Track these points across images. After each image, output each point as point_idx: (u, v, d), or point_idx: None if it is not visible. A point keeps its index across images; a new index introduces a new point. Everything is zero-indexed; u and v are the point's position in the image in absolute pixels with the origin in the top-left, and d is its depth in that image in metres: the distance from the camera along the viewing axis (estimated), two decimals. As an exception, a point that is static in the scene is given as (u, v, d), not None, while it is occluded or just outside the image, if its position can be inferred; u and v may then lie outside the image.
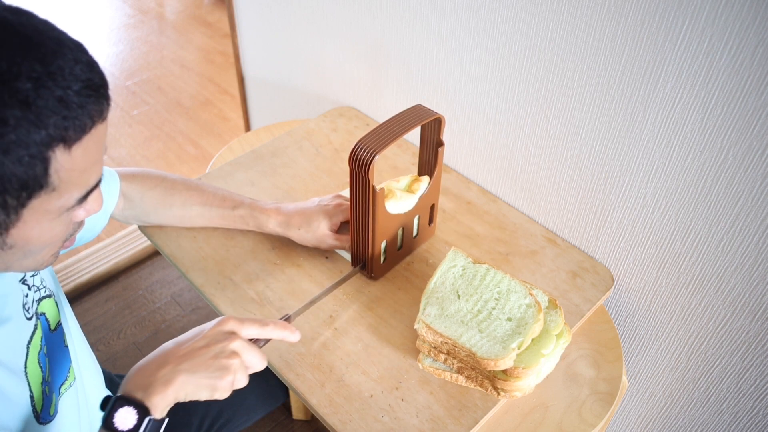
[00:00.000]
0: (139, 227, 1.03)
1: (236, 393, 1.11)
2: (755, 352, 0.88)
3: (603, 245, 0.99)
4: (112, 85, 2.64)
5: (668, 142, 0.82)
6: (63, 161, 0.51)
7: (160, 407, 0.60)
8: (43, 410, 0.67)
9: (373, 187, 0.81)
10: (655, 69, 0.79)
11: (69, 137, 0.50)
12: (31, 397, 0.66)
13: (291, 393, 1.24)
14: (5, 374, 0.62)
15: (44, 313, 0.72)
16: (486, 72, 1.01)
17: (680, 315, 0.95)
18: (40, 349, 0.68)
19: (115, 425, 0.58)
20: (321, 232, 0.92)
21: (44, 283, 0.74)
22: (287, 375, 0.82)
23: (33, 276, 0.71)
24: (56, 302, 0.75)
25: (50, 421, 0.69)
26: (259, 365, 0.67)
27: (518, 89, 0.97)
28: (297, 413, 1.48)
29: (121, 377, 1.04)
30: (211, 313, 1.70)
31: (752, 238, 0.80)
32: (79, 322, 0.85)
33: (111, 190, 0.89)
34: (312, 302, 0.85)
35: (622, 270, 0.99)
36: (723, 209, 0.82)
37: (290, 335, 0.72)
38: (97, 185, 0.57)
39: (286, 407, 1.48)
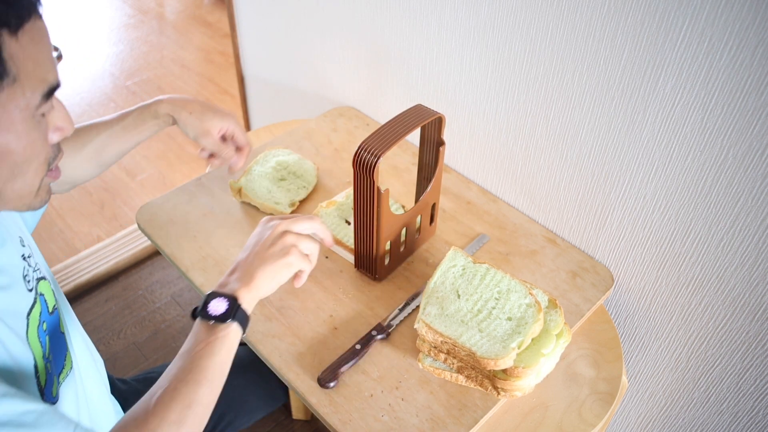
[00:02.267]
0: (139, 227, 1.03)
1: (238, 395, 1.13)
2: (755, 352, 0.88)
3: (603, 245, 1.00)
4: (112, 84, 2.64)
5: (668, 142, 0.83)
6: (12, 47, 0.55)
7: (246, 299, 0.69)
8: (46, 387, 0.69)
9: (378, 188, 0.81)
10: (655, 69, 0.79)
11: (11, 22, 0.54)
12: (36, 367, 0.68)
13: (291, 393, 1.24)
14: (12, 337, 0.65)
15: (43, 294, 0.75)
16: (486, 72, 1.01)
17: (680, 315, 0.95)
18: (39, 323, 0.71)
19: (209, 312, 0.67)
20: (208, 124, 0.93)
21: (38, 266, 0.76)
22: (287, 375, 0.82)
23: (29, 257, 0.74)
24: (52, 287, 0.78)
25: (54, 403, 0.71)
26: (314, 249, 0.77)
27: (518, 89, 0.97)
28: (297, 413, 1.48)
29: (123, 381, 1.04)
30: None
31: (752, 238, 0.80)
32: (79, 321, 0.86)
33: None
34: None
35: (622, 270, 0.99)
36: (723, 209, 0.82)
37: (328, 235, 0.82)
38: (55, 88, 0.61)
39: (286, 407, 1.48)
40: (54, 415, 0.59)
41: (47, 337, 0.72)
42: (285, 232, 0.74)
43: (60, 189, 0.96)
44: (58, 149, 0.65)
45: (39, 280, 0.75)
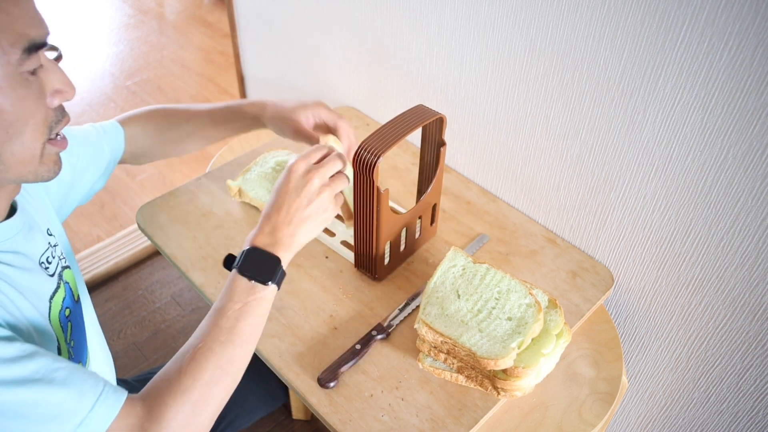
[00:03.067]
0: (139, 227, 1.03)
1: (238, 395, 1.13)
2: (755, 352, 0.88)
3: (603, 245, 0.99)
4: (112, 84, 2.64)
5: (668, 142, 0.83)
6: None
7: (286, 259, 0.70)
8: None
9: (378, 188, 0.81)
10: (655, 69, 0.79)
11: None
12: (59, 349, 0.69)
13: (291, 393, 1.24)
14: (36, 314, 0.66)
15: (68, 282, 0.75)
16: (486, 72, 1.01)
17: (680, 315, 0.95)
18: (62, 308, 0.72)
19: (250, 270, 0.67)
20: (292, 123, 0.89)
21: (64, 256, 0.77)
22: (287, 375, 0.82)
23: (55, 246, 0.75)
24: (76, 278, 0.79)
25: None
26: (344, 182, 0.76)
27: (518, 89, 0.97)
28: (297, 413, 1.48)
29: (125, 381, 1.04)
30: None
31: (752, 238, 0.80)
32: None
33: (115, 140, 0.92)
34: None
35: (622, 270, 0.99)
36: (723, 209, 0.82)
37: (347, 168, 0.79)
38: (40, 46, 0.59)
39: (286, 407, 1.48)
40: (84, 373, 0.59)
41: (69, 324, 0.73)
42: (322, 186, 0.72)
43: (134, 162, 0.98)
44: (61, 114, 0.64)
45: (65, 268, 0.76)
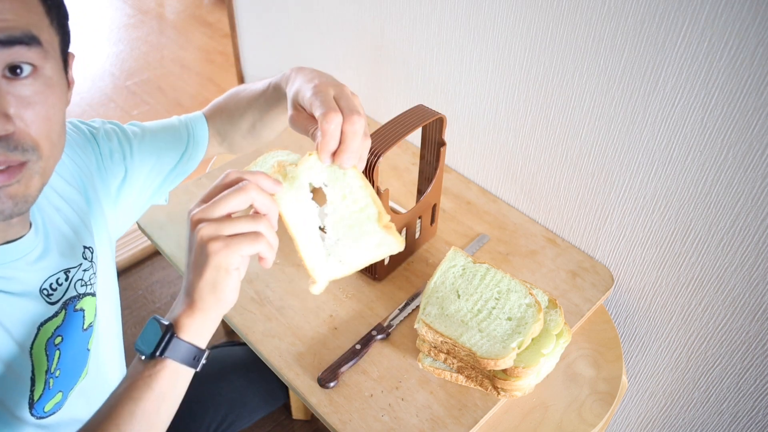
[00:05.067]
0: (139, 227, 1.03)
1: (239, 395, 1.13)
2: (755, 352, 0.88)
3: (603, 245, 0.99)
4: (112, 84, 2.64)
5: (668, 142, 0.83)
6: None
7: (189, 326, 0.56)
8: (38, 402, 0.67)
9: (378, 188, 0.81)
10: (655, 69, 0.79)
11: None
12: (32, 380, 0.65)
13: (291, 393, 1.24)
14: (11, 345, 0.62)
15: (83, 309, 0.71)
16: (486, 72, 1.01)
17: (680, 315, 0.95)
18: (51, 336, 0.67)
19: (137, 343, 0.57)
20: (294, 102, 0.68)
21: (93, 281, 0.73)
22: (287, 375, 0.82)
23: (85, 270, 0.71)
24: (96, 302, 0.74)
25: (42, 418, 0.68)
26: (251, 226, 0.55)
27: (518, 89, 0.97)
28: (297, 413, 1.47)
29: None
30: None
31: (752, 238, 0.80)
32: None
33: (199, 133, 0.89)
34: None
35: (622, 270, 0.99)
36: (723, 209, 0.82)
37: (269, 204, 0.58)
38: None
39: (286, 407, 1.48)
40: None
41: (57, 352, 0.68)
42: (198, 226, 0.55)
43: (233, 152, 0.95)
44: None
45: (86, 295, 0.71)
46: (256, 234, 0.55)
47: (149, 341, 0.55)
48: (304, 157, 0.63)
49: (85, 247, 0.72)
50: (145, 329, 0.56)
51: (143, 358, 0.56)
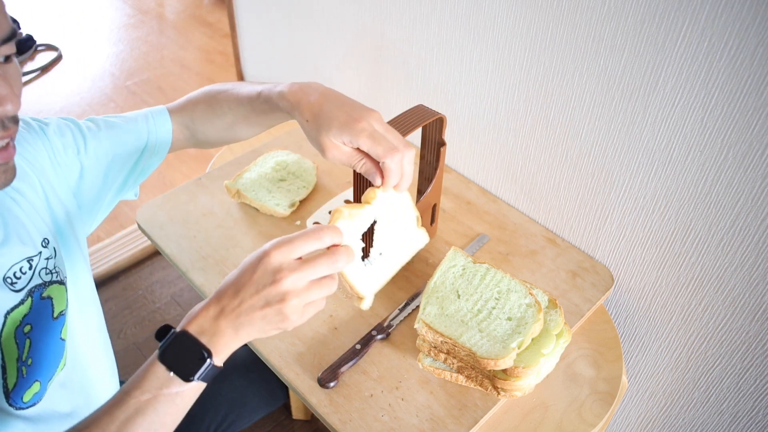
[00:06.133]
0: (139, 227, 1.03)
1: (239, 395, 1.13)
2: (755, 352, 0.88)
3: (603, 245, 0.99)
4: (112, 84, 2.64)
5: (668, 142, 0.83)
6: None
7: (222, 355, 0.58)
8: (14, 391, 0.68)
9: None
10: (655, 69, 0.79)
11: None
12: (3, 368, 0.66)
13: (291, 393, 1.24)
14: None
15: (51, 298, 0.72)
16: (486, 72, 1.01)
17: (680, 315, 0.95)
18: (20, 324, 0.68)
19: (172, 358, 0.57)
20: (324, 139, 0.70)
21: (58, 268, 0.74)
22: (287, 375, 0.82)
23: (48, 258, 0.72)
24: (67, 291, 0.75)
25: (23, 408, 0.69)
26: (327, 290, 0.59)
27: (518, 89, 0.97)
28: (297, 413, 1.48)
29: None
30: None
31: (752, 238, 0.80)
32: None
33: (161, 128, 0.89)
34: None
35: (622, 270, 0.99)
36: (723, 209, 0.82)
37: (344, 258, 0.60)
38: None
39: (286, 407, 1.48)
40: None
41: (28, 341, 0.69)
42: (290, 293, 0.57)
43: (198, 146, 0.94)
44: (7, 122, 0.58)
45: (52, 283, 0.72)
46: (324, 299, 0.60)
47: (184, 363, 0.56)
48: (368, 196, 0.70)
49: (44, 238, 0.73)
50: (176, 344, 0.57)
51: (171, 374, 0.56)
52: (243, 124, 0.86)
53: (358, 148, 0.69)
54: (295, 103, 0.74)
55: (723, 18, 0.70)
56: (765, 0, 0.66)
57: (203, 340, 0.57)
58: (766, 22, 0.67)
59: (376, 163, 0.69)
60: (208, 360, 0.56)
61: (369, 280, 0.71)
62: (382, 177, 0.69)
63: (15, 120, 0.59)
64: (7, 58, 0.58)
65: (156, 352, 0.57)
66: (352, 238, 0.66)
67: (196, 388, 0.57)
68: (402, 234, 0.73)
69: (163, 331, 0.60)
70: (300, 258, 0.58)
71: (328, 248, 0.61)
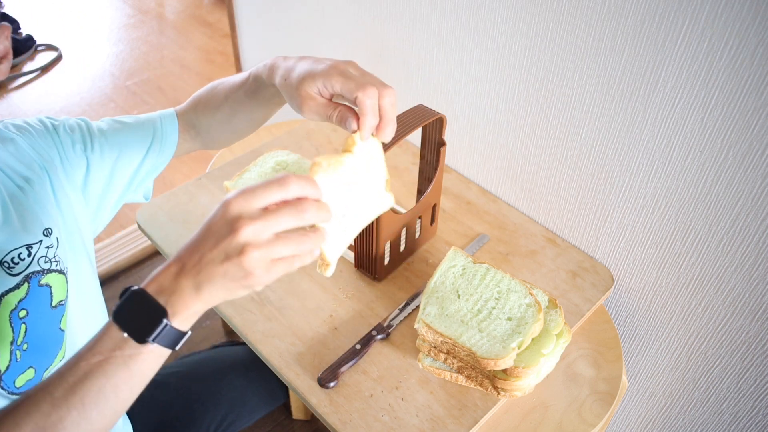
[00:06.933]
0: (139, 227, 1.03)
1: (239, 395, 1.13)
2: (755, 352, 0.88)
3: (603, 245, 1.00)
4: (112, 84, 2.64)
5: (668, 142, 0.83)
6: None
7: (183, 315, 0.52)
8: (6, 373, 0.68)
9: None
10: (655, 69, 0.79)
11: None
12: None
13: (291, 393, 1.24)
14: None
15: (49, 286, 0.73)
16: (486, 72, 1.01)
17: (680, 315, 0.95)
18: (15, 308, 0.69)
19: (124, 318, 0.52)
20: (302, 91, 0.65)
21: (58, 258, 0.74)
22: (287, 375, 0.82)
23: (49, 247, 0.73)
24: (67, 281, 0.76)
25: (15, 393, 0.70)
26: (292, 249, 0.52)
27: (518, 89, 0.97)
28: (297, 413, 1.47)
29: None
30: (210, 312, 1.69)
31: (752, 238, 0.80)
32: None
33: (168, 128, 0.88)
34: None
35: (622, 270, 0.99)
36: (723, 209, 0.82)
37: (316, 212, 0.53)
38: None
39: (286, 407, 1.48)
40: None
41: (23, 326, 0.70)
42: (250, 245, 0.50)
43: (210, 147, 0.93)
44: None
45: (51, 272, 0.73)
46: (300, 254, 0.53)
47: (138, 322, 0.51)
48: (347, 143, 0.62)
49: (47, 227, 0.74)
50: (131, 303, 0.52)
51: (125, 335, 0.52)
52: (240, 111, 0.84)
53: (332, 98, 0.64)
54: (273, 67, 0.72)
55: (723, 18, 0.70)
56: (765, 0, 0.66)
57: (161, 300, 0.52)
58: (766, 22, 0.67)
59: (351, 109, 0.63)
60: (164, 320, 0.51)
61: (332, 243, 0.62)
62: (358, 121, 0.62)
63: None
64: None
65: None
66: (330, 195, 0.58)
67: (154, 352, 0.52)
68: (369, 194, 0.65)
69: (126, 291, 0.55)
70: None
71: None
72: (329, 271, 0.61)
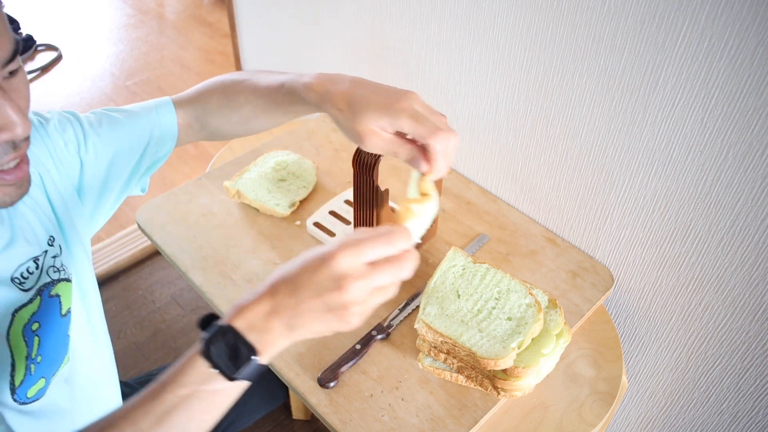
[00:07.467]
0: (139, 227, 1.03)
1: (239, 395, 1.13)
2: (755, 352, 0.88)
3: (603, 245, 0.99)
4: (112, 84, 2.64)
5: (668, 142, 0.83)
6: None
7: (269, 354, 0.54)
8: (20, 387, 0.68)
9: (378, 187, 0.81)
10: (655, 69, 0.79)
11: None
12: (12, 365, 0.66)
13: (291, 393, 1.24)
14: None
15: (59, 295, 0.72)
16: (486, 72, 1.01)
17: (680, 315, 0.95)
18: (28, 323, 0.68)
19: (215, 355, 0.52)
20: (362, 126, 0.64)
21: (64, 266, 0.74)
22: (287, 375, 0.82)
23: (55, 257, 0.72)
24: (73, 289, 0.75)
25: (26, 403, 0.69)
26: (384, 299, 0.56)
27: (518, 89, 0.97)
28: (297, 413, 1.48)
29: (125, 383, 1.03)
30: (211, 313, 1.70)
31: (752, 238, 0.80)
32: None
33: (165, 120, 0.85)
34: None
35: (622, 270, 0.99)
36: (723, 209, 0.82)
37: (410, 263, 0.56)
38: None
39: (286, 407, 1.48)
40: None
41: (36, 338, 0.69)
42: (354, 302, 0.53)
43: (213, 140, 0.90)
44: (9, 148, 0.56)
45: (60, 281, 0.72)
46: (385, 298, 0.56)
47: (231, 360, 0.52)
48: (424, 186, 0.65)
49: (49, 236, 0.73)
50: (222, 339, 0.53)
51: (213, 370, 0.52)
52: (261, 116, 0.82)
53: (398, 133, 0.64)
54: (324, 93, 0.68)
55: (723, 18, 0.70)
56: (765, 0, 0.66)
57: (251, 338, 0.52)
58: (766, 22, 0.67)
59: (420, 148, 0.63)
60: (255, 358, 0.52)
61: None
62: (428, 162, 0.63)
63: (26, 137, 0.57)
64: (13, 72, 0.56)
65: (197, 345, 0.53)
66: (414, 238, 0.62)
67: (238, 386, 0.54)
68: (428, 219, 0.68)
69: (208, 320, 0.55)
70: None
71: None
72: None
